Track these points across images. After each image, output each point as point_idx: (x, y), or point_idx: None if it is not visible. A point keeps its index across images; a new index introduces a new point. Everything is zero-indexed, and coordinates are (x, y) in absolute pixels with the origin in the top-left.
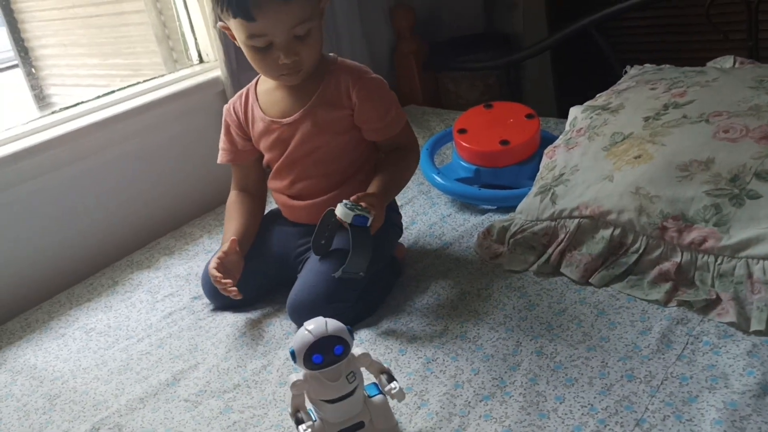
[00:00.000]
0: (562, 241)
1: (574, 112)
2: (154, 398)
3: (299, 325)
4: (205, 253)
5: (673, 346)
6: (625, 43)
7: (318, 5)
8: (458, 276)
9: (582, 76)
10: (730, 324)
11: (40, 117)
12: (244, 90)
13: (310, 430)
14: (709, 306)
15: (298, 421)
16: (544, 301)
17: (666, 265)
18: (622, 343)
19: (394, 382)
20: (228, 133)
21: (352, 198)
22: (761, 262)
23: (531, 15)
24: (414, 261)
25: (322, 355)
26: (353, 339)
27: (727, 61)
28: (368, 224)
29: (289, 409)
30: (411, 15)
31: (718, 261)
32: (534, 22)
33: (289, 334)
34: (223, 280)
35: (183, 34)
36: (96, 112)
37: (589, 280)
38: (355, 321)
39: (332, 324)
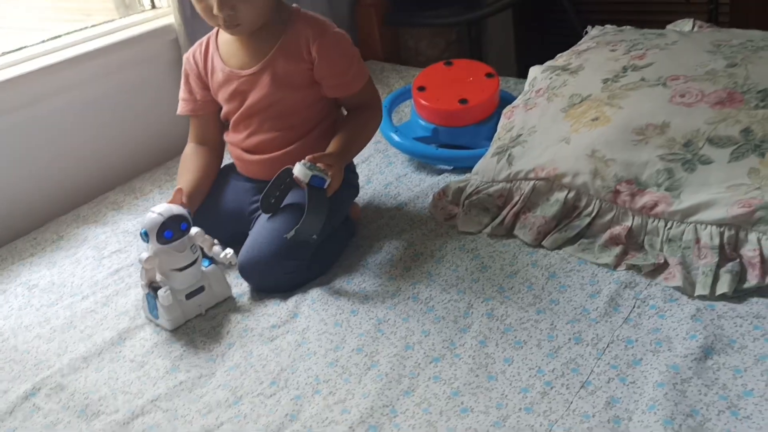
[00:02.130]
0: (516, 203)
1: (534, 72)
2: (98, 357)
3: (251, 283)
4: None
5: (620, 309)
6: (588, 3)
7: None
8: (412, 237)
9: (543, 35)
10: (676, 288)
11: None
12: (204, 38)
13: (168, 291)
14: (656, 270)
15: (155, 288)
16: (497, 263)
17: (617, 229)
18: (571, 306)
19: (227, 249)
20: (187, 82)
21: (308, 157)
22: (709, 227)
23: None
24: (368, 221)
25: (171, 231)
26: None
27: (686, 24)
28: (325, 186)
29: (143, 282)
30: None
31: (668, 225)
32: None
33: (239, 296)
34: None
35: None
36: (40, 57)
37: (542, 243)
38: (307, 279)
39: (175, 207)
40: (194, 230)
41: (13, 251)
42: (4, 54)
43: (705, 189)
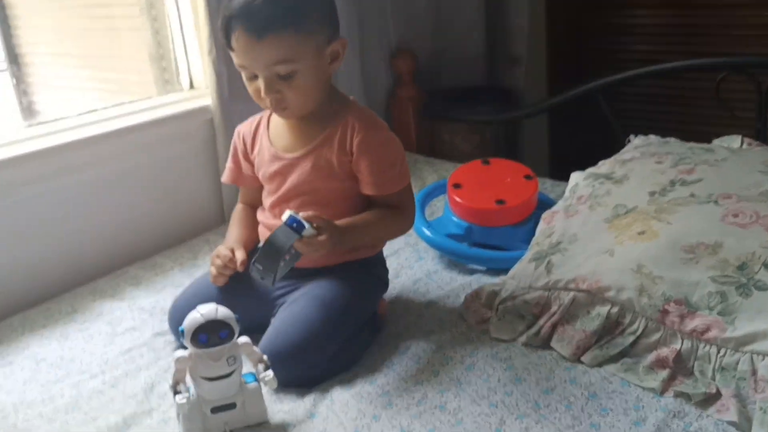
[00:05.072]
0: (554, 313)
1: (576, 177)
2: None
3: None
4: (174, 287)
5: None
6: (627, 110)
7: (316, 49)
8: (441, 339)
9: (579, 138)
10: (731, 423)
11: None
12: (257, 116)
13: (185, 400)
14: (708, 400)
15: (177, 392)
16: (532, 377)
17: (664, 351)
18: None
19: (270, 371)
20: (235, 154)
21: (309, 212)
22: (767, 358)
23: (533, 72)
24: (395, 318)
25: (207, 335)
26: (239, 327)
27: (734, 141)
28: (302, 234)
29: (170, 381)
30: (412, 61)
31: (721, 353)
32: (535, 80)
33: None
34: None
35: (176, 59)
36: (76, 129)
37: (581, 358)
38: (329, 375)
39: (222, 311)
40: (242, 340)
41: (25, 321)
42: (40, 123)
43: (762, 317)
